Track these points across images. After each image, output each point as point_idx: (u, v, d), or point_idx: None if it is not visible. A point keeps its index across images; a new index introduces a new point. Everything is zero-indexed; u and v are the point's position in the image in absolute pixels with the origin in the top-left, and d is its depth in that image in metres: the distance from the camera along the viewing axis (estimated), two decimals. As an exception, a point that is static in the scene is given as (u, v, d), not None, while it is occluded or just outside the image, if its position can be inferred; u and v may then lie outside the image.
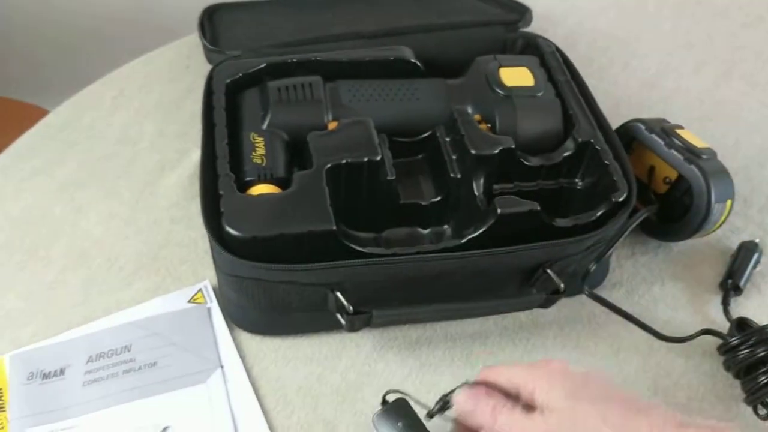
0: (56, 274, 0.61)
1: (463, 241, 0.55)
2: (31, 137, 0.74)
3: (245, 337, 0.58)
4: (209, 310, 0.59)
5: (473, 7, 0.78)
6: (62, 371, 0.55)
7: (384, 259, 0.52)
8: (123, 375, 0.54)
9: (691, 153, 0.60)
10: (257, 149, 0.59)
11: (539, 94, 0.63)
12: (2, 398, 0.53)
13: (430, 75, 0.67)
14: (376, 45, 0.69)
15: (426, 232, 0.62)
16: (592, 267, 0.58)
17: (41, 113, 1.11)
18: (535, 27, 0.81)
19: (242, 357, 0.57)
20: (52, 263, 0.62)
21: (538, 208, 0.55)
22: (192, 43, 0.82)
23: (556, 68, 0.66)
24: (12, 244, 0.63)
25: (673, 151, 0.61)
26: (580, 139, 0.60)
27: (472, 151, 0.58)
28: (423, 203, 0.61)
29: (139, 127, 0.74)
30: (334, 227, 0.52)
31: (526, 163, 0.60)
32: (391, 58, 0.67)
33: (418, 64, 0.67)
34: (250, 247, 0.52)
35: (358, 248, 0.53)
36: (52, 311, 0.59)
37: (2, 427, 0.52)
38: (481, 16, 0.75)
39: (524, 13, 0.76)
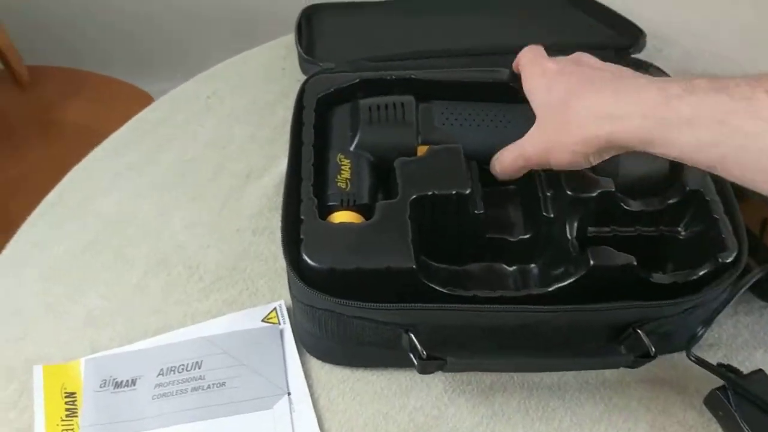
0: (138, 278, 0.62)
1: (549, 289, 0.52)
2: (127, 131, 0.75)
3: (315, 363, 0.57)
4: (282, 331, 0.58)
5: (585, 26, 0.74)
6: (134, 382, 0.55)
7: (463, 306, 0.50)
8: (191, 392, 0.54)
9: (814, 207, 0.55)
10: (343, 172, 0.57)
11: None
12: (75, 403, 0.54)
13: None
14: (477, 63, 0.66)
15: (511, 269, 0.59)
16: (701, 331, 0.53)
17: (146, 98, 1.15)
18: (648, 47, 0.76)
19: (310, 385, 0.56)
20: (135, 266, 0.63)
21: (635, 263, 0.51)
22: (289, 44, 0.81)
23: (668, 103, 0.61)
24: (99, 243, 0.65)
25: (793, 204, 0.55)
26: (687, 187, 0.55)
27: (568, 192, 0.54)
28: (510, 239, 0.58)
29: (229, 130, 0.74)
30: (414, 265, 0.50)
31: (625, 207, 0.56)
32: (490, 81, 0.64)
33: (518, 88, 0.64)
34: (326, 279, 0.51)
35: (437, 288, 0.51)
36: (131, 316, 0.60)
37: (73, 431, 0.53)
38: (592, 38, 0.71)
39: (638, 37, 0.71)
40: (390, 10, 0.81)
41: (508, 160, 0.55)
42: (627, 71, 0.51)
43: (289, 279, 0.53)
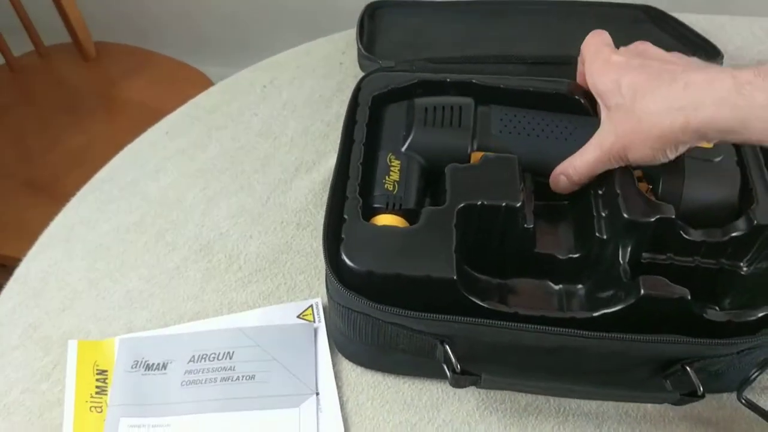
0: (178, 263, 0.62)
1: (594, 314, 0.50)
2: (180, 115, 0.75)
3: (346, 366, 0.56)
4: (316, 330, 0.57)
5: (658, 42, 0.71)
6: (165, 366, 0.55)
7: (502, 323, 0.48)
8: (220, 382, 0.54)
9: None
10: (391, 174, 0.56)
11: (717, 159, 0.55)
12: (106, 381, 0.55)
13: (595, 113, 0.61)
14: (539, 72, 0.64)
15: (557, 288, 0.56)
16: (755, 374, 0.50)
17: (206, 82, 1.16)
18: (725, 66, 0.73)
19: (340, 387, 0.54)
20: (177, 250, 0.63)
21: (689, 297, 0.48)
22: (349, 39, 0.80)
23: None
24: (143, 224, 0.65)
25: None
26: (755, 222, 0.52)
27: (625, 215, 0.52)
28: (559, 257, 0.56)
29: (283, 122, 0.73)
30: (455, 276, 0.49)
31: (685, 236, 0.53)
32: (552, 92, 0.61)
33: (582, 101, 0.61)
34: (364, 281, 0.49)
35: (477, 301, 0.49)
36: (168, 299, 0.60)
37: (101, 410, 0.53)
38: (663, 55, 0.67)
39: (714, 58, 0.68)
40: (457, 11, 0.79)
41: (583, 163, 0.53)
42: (695, 62, 0.50)
43: (326, 277, 0.52)
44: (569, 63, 0.63)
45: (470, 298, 0.49)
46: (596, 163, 0.53)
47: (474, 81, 0.62)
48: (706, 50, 0.73)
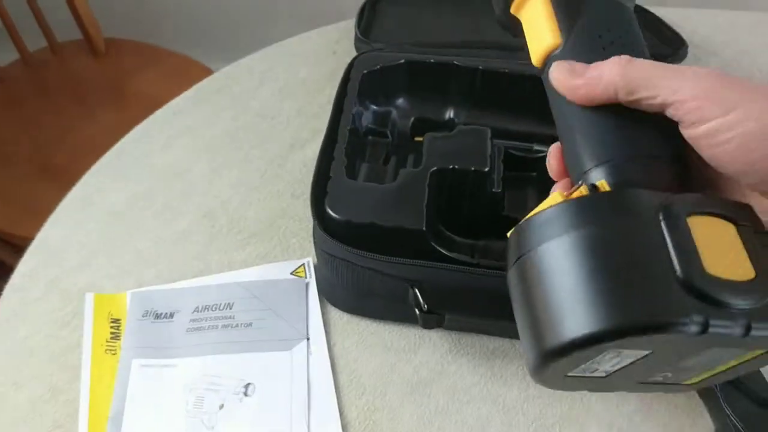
0: (184, 227, 0.69)
1: (552, 265, 0.56)
2: (187, 97, 0.82)
3: (334, 315, 0.62)
4: (307, 285, 0.64)
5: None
6: (171, 315, 0.61)
7: (461, 267, 0.54)
8: (221, 329, 0.60)
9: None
10: None
11: None
12: (119, 328, 0.61)
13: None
14: (521, 58, 0.70)
15: (523, 248, 0.63)
16: None
17: (206, 72, 1.22)
18: (690, 55, 0.79)
19: (327, 333, 0.61)
20: (183, 216, 0.69)
21: None
22: (342, 29, 0.87)
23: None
24: (152, 193, 0.71)
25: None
26: None
27: None
28: (525, 220, 0.62)
29: (279, 104, 0.80)
30: (424, 228, 0.55)
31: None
32: (527, 74, 0.68)
33: None
34: (344, 230, 0.56)
35: (443, 251, 0.56)
36: (175, 259, 0.66)
37: (115, 352, 0.60)
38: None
39: (678, 48, 0.74)
40: (455, 4, 0.85)
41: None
42: None
43: (313, 228, 0.59)
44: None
45: (438, 248, 0.56)
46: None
47: (455, 62, 0.68)
48: (669, 38, 0.79)
